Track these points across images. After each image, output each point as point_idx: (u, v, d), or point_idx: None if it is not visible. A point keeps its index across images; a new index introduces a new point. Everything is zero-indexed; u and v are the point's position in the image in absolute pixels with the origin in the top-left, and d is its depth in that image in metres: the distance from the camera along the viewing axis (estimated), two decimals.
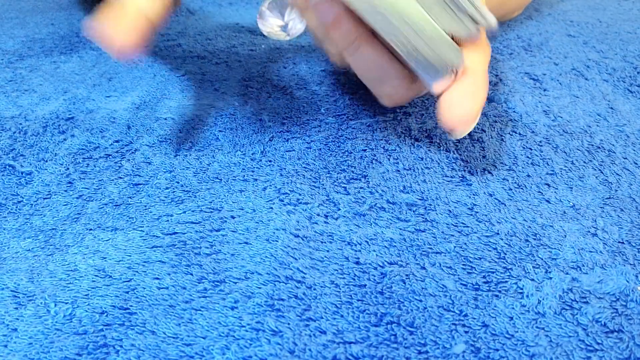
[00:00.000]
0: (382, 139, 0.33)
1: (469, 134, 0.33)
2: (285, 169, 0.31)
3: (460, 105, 0.26)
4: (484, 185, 0.29)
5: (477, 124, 0.34)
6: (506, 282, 0.24)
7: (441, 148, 0.32)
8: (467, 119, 0.26)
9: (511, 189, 0.29)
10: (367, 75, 0.29)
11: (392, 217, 0.27)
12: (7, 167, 0.31)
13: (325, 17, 0.27)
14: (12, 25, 0.51)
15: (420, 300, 0.23)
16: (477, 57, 0.28)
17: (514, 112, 0.36)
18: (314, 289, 0.23)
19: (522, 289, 0.23)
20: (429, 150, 0.32)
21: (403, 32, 0.25)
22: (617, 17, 0.51)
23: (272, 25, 0.45)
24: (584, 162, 0.31)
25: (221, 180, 0.30)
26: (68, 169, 0.31)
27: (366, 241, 0.26)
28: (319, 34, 0.30)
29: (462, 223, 0.27)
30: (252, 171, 0.30)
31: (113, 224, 0.27)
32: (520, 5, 0.49)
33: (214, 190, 0.29)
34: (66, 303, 0.23)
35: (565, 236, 0.26)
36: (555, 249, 0.25)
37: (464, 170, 0.30)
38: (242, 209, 0.28)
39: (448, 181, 0.30)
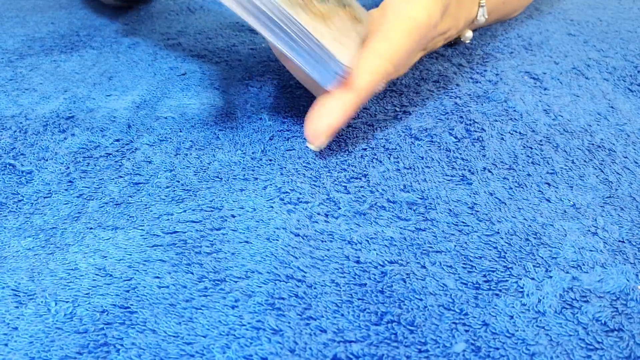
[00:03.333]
0: (382, 138, 0.33)
1: (469, 133, 0.33)
2: (285, 167, 0.31)
3: (321, 118, 0.28)
4: (484, 184, 0.29)
5: (477, 122, 0.34)
6: (506, 281, 0.24)
7: (441, 147, 0.32)
8: (321, 132, 0.29)
9: (511, 188, 0.29)
10: (301, 81, 0.32)
11: (393, 216, 0.27)
12: (8, 166, 0.31)
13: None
14: (12, 24, 0.51)
15: (421, 299, 0.23)
16: (362, 78, 0.29)
17: (514, 111, 0.36)
18: (315, 288, 0.23)
19: (522, 288, 0.23)
20: (429, 149, 0.32)
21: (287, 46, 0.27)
22: (617, 16, 0.51)
23: None
24: (585, 161, 0.31)
25: (221, 179, 0.30)
26: (68, 168, 0.31)
27: (366, 240, 0.26)
28: None
29: (463, 222, 0.27)
30: (253, 170, 0.30)
31: (113, 223, 0.27)
32: (521, 5, 0.49)
33: (214, 189, 0.29)
34: (67, 302, 0.23)
35: (566, 235, 0.26)
36: (555, 248, 0.25)
37: (465, 169, 0.30)
38: (243, 208, 0.28)
39: (448, 180, 0.30)
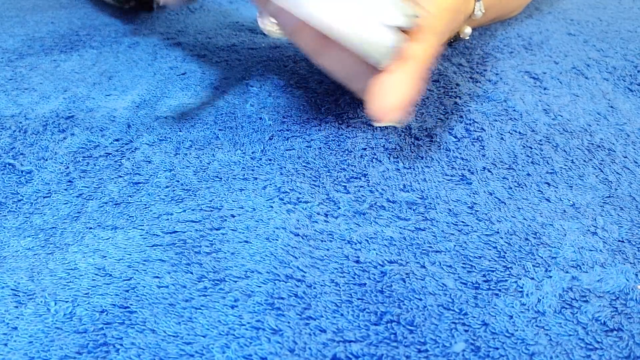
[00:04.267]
0: (382, 138, 0.33)
1: (469, 133, 0.33)
2: (285, 167, 0.31)
3: (387, 94, 0.26)
4: (484, 184, 0.29)
5: (477, 122, 0.34)
6: (506, 280, 0.24)
7: (441, 147, 0.32)
8: (391, 108, 0.26)
9: (511, 188, 0.29)
10: (338, 75, 0.30)
11: (392, 215, 0.27)
12: (7, 165, 0.31)
13: (287, 24, 0.29)
14: (12, 24, 0.51)
15: (420, 299, 0.23)
16: (418, 46, 0.27)
17: (514, 110, 0.36)
18: (314, 288, 0.23)
19: (522, 287, 0.23)
20: (429, 149, 0.32)
21: (337, 28, 0.25)
22: (617, 15, 0.51)
23: (272, 23, 0.45)
24: (584, 160, 0.31)
25: (221, 179, 0.30)
26: (68, 167, 0.31)
27: (366, 240, 0.26)
28: (288, 38, 0.31)
29: (462, 222, 0.27)
30: (252, 170, 0.30)
31: (113, 222, 0.27)
32: (519, 5, 0.49)
33: (214, 189, 0.29)
34: (66, 302, 0.23)
35: (565, 235, 0.26)
36: (555, 247, 0.25)
37: (464, 169, 0.30)
38: (242, 208, 0.28)
39: (448, 180, 0.30)
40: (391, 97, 0.26)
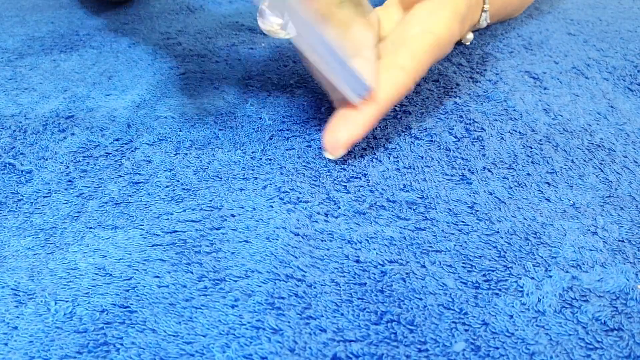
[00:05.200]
0: (382, 138, 0.33)
1: (469, 133, 0.33)
2: (285, 167, 0.31)
3: (340, 130, 0.29)
4: (484, 183, 0.29)
5: (477, 122, 0.34)
6: (506, 280, 0.24)
7: (441, 147, 0.32)
8: (339, 144, 0.29)
9: (511, 188, 0.29)
10: (321, 82, 0.32)
11: (392, 215, 0.27)
12: (7, 165, 0.31)
13: None
14: (12, 24, 0.51)
15: (421, 299, 0.23)
16: (383, 90, 0.29)
17: (514, 110, 0.36)
18: (314, 288, 0.23)
19: (522, 287, 0.23)
20: (429, 148, 0.32)
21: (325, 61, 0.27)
22: (617, 15, 0.51)
23: (272, 23, 0.45)
24: (584, 160, 0.31)
25: (221, 178, 0.30)
26: (68, 167, 0.31)
27: (366, 239, 0.26)
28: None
29: (462, 221, 0.27)
30: (252, 170, 0.30)
31: (113, 222, 0.27)
32: (521, 7, 0.49)
33: (214, 188, 0.29)
34: (66, 301, 0.23)
35: (566, 235, 0.26)
36: (555, 247, 0.25)
37: (464, 169, 0.30)
38: (242, 208, 0.28)
39: (448, 180, 0.30)
40: (342, 133, 0.29)
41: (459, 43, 0.44)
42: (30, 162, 0.32)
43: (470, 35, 0.43)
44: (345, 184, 0.29)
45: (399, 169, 0.30)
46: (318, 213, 0.27)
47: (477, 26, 0.42)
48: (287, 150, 0.32)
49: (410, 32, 0.31)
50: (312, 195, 0.29)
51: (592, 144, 0.32)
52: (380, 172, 0.30)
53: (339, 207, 0.28)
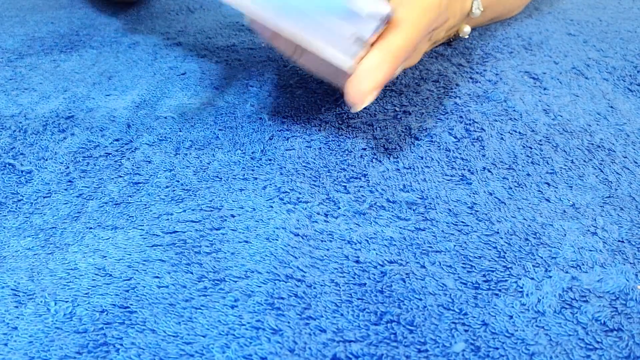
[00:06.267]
0: (382, 138, 0.33)
1: (469, 133, 0.33)
2: (285, 167, 0.31)
3: (362, 81, 0.27)
4: (483, 184, 0.29)
5: (477, 122, 0.34)
6: (506, 280, 0.24)
7: (441, 147, 0.32)
8: (365, 93, 0.27)
9: (511, 188, 0.29)
10: (320, 74, 0.32)
11: (392, 215, 0.27)
12: (7, 165, 0.31)
13: (263, 33, 0.31)
14: (12, 24, 0.51)
15: (420, 299, 0.23)
16: (395, 37, 0.28)
17: (514, 110, 0.36)
18: (314, 288, 0.23)
19: (522, 287, 0.23)
20: (429, 149, 0.32)
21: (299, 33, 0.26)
22: (617, 15, 0.51)
23: None
24: (584, 161, 0.31)
25: (221, 179, 0.30)
26: (68, 167, 0.31)
27: (366, 240, 0.26)
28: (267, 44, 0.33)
29: (462, 222, 0.27)
30: (252, 170, 0.30)
31: (113, 222, 0.27)
32: (520, 4, 0.49)
33: (214, 189, 0.29)
34: (66, 302, 0.23)
35: (565, 235, 0.26)
36: (555, 247, 0.25)
37: (464, 169, 0.30)
38: (242, 208, 0.28)
39: (448, 180, 0.30)
40: (365, 83, 0.27)
41: (457, 38, 0.43)
42: (30, 163, 0.32)
43: (468, 29, 0.42)
44: (345, 184, 0.29)
45: (398, 170, 0.30)
46: (318, 213, 0.27)
47: (472, 15, 0.41)
48: (287, 150, 0.32)
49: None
50: (312, 195, 0.29)
51: (592, 144, 0.32)
52: (380, 172, 0.30)
53: (339, 208, 0.28)
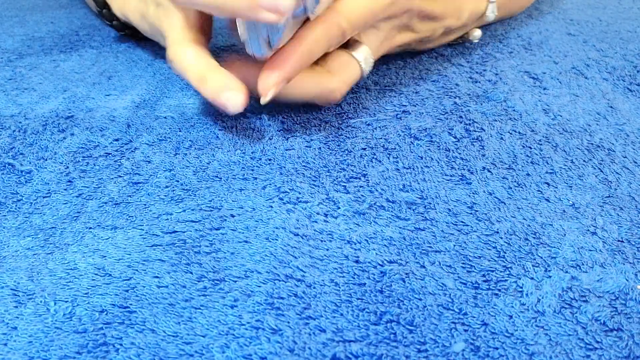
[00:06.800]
0: (381, 138, 0.33)
1: (468, 133, 0.33)
2: (285, 167, 0.31)
3: (266, 76, 0.30)
4: (483, 183, 0.29)
5: (477, 122, 0.34)
6: (506, 280, 0.24)
7: (441, 147, 0.32)
8: (267, 88, 0.30)
9: (511, 188, 0.29)
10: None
11: (392, 215, 0.27)
12: (7, 165, 0.31)
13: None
14: (11, 24, 0.51)
15: (420, 299, 0.23)
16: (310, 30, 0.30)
17: (514, 110, 0.36)
18: (314, 288, 0.23)
19: (521, 287, 0.23)
20: (429, 149, 0.32)
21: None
22: (617, 15, 0.51)
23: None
24: (584, 160, 0.31)
25: (221, 178, 0.30)
26: (68, 167, 0.31)
27: (366, 240, 0.26)
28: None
29: (462, 222, 0.27)
30: (252, 170, 0.30)
31: (113, 222, 0.27)
32: (524, 6, 0.49)
33: (213, 188, 0.29)
34: (66, 301, 0.23)
35: (565, 235, 0.26)
36: (554, 247, 0.25)
37: (464, 169, 0.30)
38: (242, 208, 0.28)
39: (448, 180, 0.30)
40: (268, 79, 0.30)
41: (466, 41, 0.43)
42: (30, 162, 0.32)
43: (478, 33, 0.42)
44: (344, 184, 0.29)
45: (398, 169, 0.30)
46: (317, 213, 0.27)
47: (485, 18, 0.41)
48: (286, 150, 0.32)
49: None
50: (312, 195, 0.29)
51: (592, 144, 0.32)
52: (379, 172, 0.30)
53: (339, 208, 0.28)
